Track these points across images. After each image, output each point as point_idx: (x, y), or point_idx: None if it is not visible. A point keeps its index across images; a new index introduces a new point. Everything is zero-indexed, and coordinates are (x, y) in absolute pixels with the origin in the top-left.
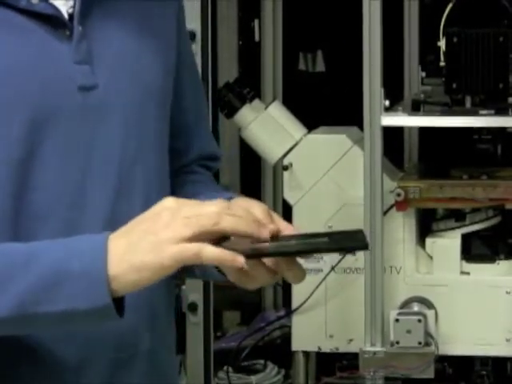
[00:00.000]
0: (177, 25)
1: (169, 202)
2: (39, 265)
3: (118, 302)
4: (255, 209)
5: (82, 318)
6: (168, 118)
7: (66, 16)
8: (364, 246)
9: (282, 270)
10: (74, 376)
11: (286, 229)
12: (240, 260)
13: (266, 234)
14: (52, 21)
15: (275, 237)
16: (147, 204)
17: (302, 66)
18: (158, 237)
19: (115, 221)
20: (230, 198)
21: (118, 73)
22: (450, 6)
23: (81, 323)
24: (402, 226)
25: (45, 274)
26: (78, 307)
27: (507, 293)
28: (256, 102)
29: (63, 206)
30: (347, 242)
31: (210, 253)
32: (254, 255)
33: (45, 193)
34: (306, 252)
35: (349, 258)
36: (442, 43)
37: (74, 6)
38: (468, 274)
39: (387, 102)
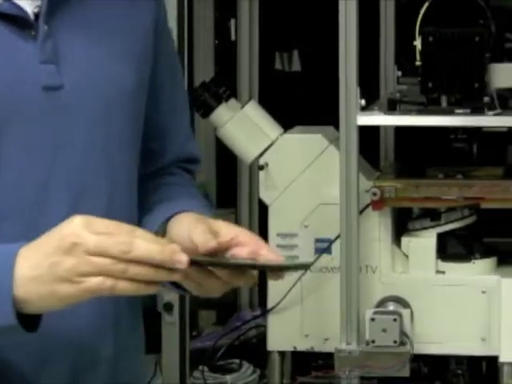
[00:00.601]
0: (154, 25)
1: (76, 226)
2: None
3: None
4: (223, 230)
5: None
6: (141, 119)
7: (31, 16)
8: (306, 266)
9: (232, 279)
10: (34, 378)
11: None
12: (153, 289)
13: (180, 261)
14: (17, 21)
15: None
16: (111, 205)
17: (278, 66)
18: (70, 270)
19: None
20: (202, 206)
21: (85, 73)
22: (426, 5)
23: None
24: (378, 226)
25: None
26: None
27: (483, 292)
28: (232, 101)
29: (26, 206)
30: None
31: (124, 287)
32: (196, 263)
33: (7, 193)
34: (240, 265)
35: (324, 257)
36: (418, 43)
37: (40, 6)
38: (443, 273)
39: (363, 102)
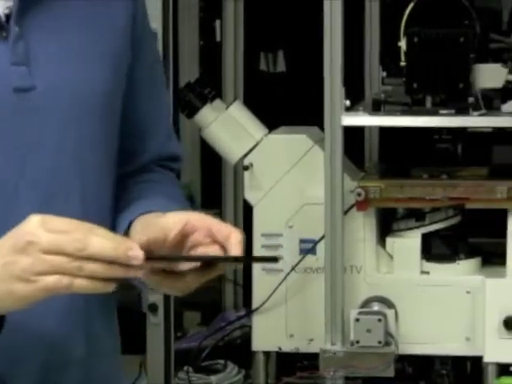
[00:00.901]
0: (131, 23)
1: (32, 225)
2: None
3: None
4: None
5: None
6: (116, 120)
7: (2, 17)
8: (273, 259)
9: (198, 275)
10: (4, 378)
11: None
12: (110, 287)
13: (135, 257)
14: None
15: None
16: (83, 206)
17: (263, 66)
18: (25, 270)
19: None
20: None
21: (57, 74)
22: (410, 6)
23: None
24: (363, 226)
25: None
26: None
27: (467, 292)
28: (217, 102)
29: None
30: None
31: (80, 285)
32: (152, 258)
33: None
34: (198, 258)
35: (309, 257)
36: (403, 43)
37: (11, 7)
38: (428, 273)
39: (348, 102)
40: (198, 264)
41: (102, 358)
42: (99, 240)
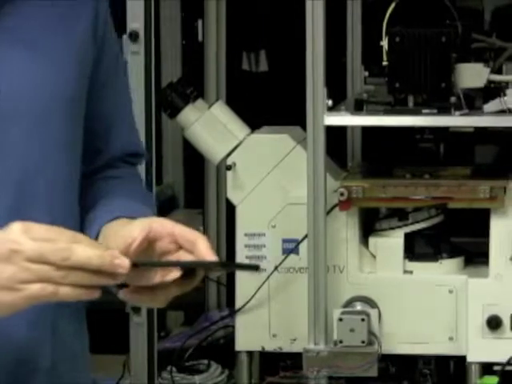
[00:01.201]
0: (94, 25)
1: (15, 233)
2: None
3: None
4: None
5: None
6: (80, 121)
7: None
8: (254, 267)
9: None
10: None
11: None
12: (95, 294)
13: (121, 265)
14: None
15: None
16: (52, 208)
17: (245, 66)
18: (9, 278)
19: None
20: (134, 203)
21: (21, 77)
22: (392, 6)
23: None
24: (346, 226)
25: None
26: None
27: (450, 291)
28: (199, 101)
29: None
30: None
31: (65, 293)
32: (137, 265)
33: None
34: (181, 264)
35: (292, 257)
36: (385, 43)
37: None
38: (411, 272)
39: (330, 102)
40: (179, 274)
41: (70, 362)
42: (84, 249)
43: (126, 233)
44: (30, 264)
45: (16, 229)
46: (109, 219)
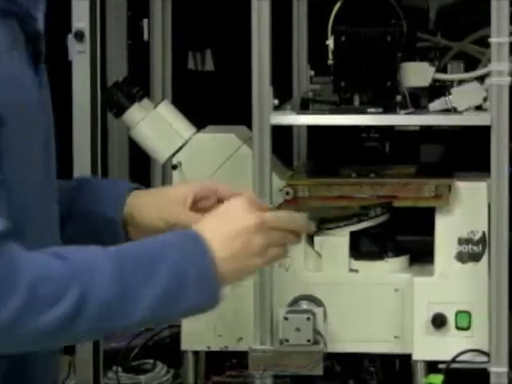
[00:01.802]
0: None
1: (249, 208)
2: (161, 274)
3: None
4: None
5: (194, 313)
6: None
7: None
8: None
9: None
10: None
11: None
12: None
13: (311, 227)
14: None
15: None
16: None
17: (191, 66)
18: (260, 246)
19: None
20: None
21: None
22: (338, 4)
23: (190, 316)
24: None
25: (167, 284)
26: (196, 307)
27: (395, 290)
28: (145, 101)
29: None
30: None
31: (285, 254)
32: None
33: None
34: None
35: None
36: (331, 42)
37: None
38: (356, 271)
39: (276, 101)
40: None
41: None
42: (296, 214)
43: (174, 197)
44: (271, 232)
45: (245, 204)
46: (127, 193)
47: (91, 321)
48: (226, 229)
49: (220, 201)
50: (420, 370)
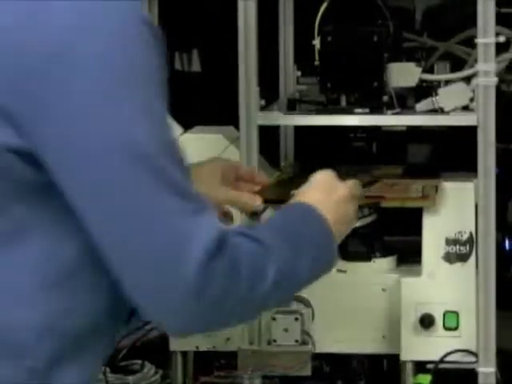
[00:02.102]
0: None
1: (336, 180)
2: (305, 244)
3: None
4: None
5: (324, 274)
6: None
7: None
8: None
9: None
10: None
11: None
12: None
13: None
14: None
15: None
16: None
17: (177, 66)
18: (354, 212)
19: None
20: None
21: None
22: (324, 4)
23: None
24: None
25: (312, 251)
26: (328, 268)
27: (383, 290)
28: None
29: None
30: None
31: None
32: None
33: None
34: None
35: None
36: (317, 42)
37: None
38: (344, 272)
39: (263, 102)
40: None
41: None
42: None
43: (207, 171)
44: (356, 202)
45: (334, 176)
46: None
47: (285, 289)
48: (327, 198)
49: (237, 179)
50: (408, 370)
